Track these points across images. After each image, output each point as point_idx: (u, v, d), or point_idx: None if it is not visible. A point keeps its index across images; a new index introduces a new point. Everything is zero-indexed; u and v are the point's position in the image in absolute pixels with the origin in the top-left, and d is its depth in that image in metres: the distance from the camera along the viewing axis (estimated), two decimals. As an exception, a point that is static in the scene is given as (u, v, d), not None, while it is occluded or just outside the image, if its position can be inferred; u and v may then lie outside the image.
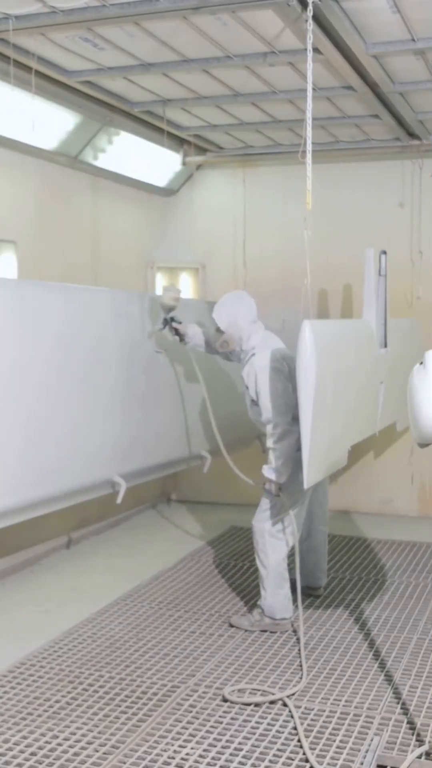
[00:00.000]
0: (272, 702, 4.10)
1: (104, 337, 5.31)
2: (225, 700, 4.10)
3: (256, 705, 4.05)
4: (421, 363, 3.27)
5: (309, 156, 4.44)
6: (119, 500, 5.46)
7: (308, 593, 5.56)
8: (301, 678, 4.37)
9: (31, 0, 4.48)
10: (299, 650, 4.73)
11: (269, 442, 4.90)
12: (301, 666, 4.52)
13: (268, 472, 4.90)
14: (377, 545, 6.98)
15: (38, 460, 4.69)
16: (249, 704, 4.06)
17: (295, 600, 5.05)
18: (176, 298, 5.48)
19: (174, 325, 5.51)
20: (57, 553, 6.75)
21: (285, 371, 4.93)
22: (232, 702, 4.07)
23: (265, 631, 5.04)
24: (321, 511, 5.54)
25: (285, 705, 4.06)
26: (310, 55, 4.43)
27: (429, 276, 7.91)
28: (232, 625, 5.12)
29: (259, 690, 4.21)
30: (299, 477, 4.63)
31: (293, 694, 4.17)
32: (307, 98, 4.51)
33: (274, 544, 5.02)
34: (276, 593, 5.03)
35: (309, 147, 4.47)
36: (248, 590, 5.75)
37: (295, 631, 5.02)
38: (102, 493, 5.48)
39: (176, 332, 5.53)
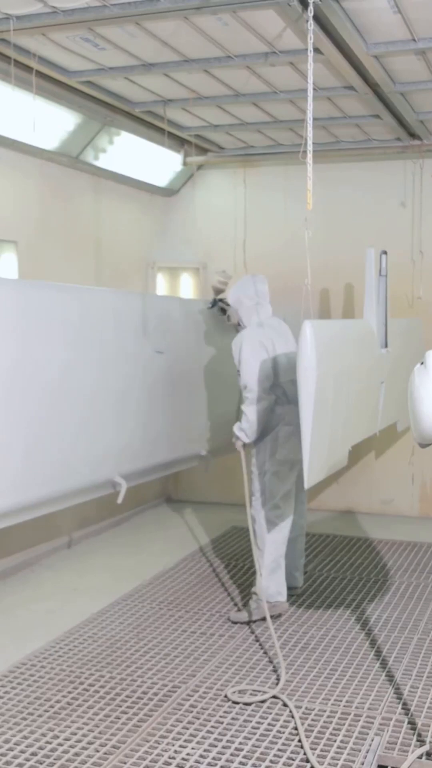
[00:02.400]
0: (263, 701, 4.10)
1: (105, 337, 5.31)
2: (227, 699, 4.11)
3: (246, 704, 4.07)
4: (422, 363, 3.27)
5: (310, 156, 4.44)
6: (120, 500, 5.46)
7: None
8: (277, 678, 4.37)
9: (32, 0, 4.48)
10: (300, 650, 4.74)
11: (243, 405, 5.23)
12: (302, 666, 4.54)
13: (237, 429, 5.23)
14: (378, 545, 6.98)
15: (40, 460, 4.70)
16: (238, 703, 4.07)
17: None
18: (224, 282, 6.08)
19: (221, 305, 6.04)
20: (58, 553, 6.75)
21: (269, 349, 5.21)
22: (233, 701, 4.08)
23: (265, 618, 5.07)
24: (299, 502, 5.58)
25: (285, 705, 4.06)
26: (310, 55, 4.42)
27: (430, 276, 7.91)
28: (233, 622, 5.16)
29: (259, 691, 4.22)
30: (289, 455, 5.16)
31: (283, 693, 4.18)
32: (308, 98, 4.50)
33: (268, 527, 5.19)
34: (271, 576, 5.13)
35: (310, 147, 4.46)
36: (249, 590, 5.74)
37: (295, 632, 5.04)
38: (103, 493, 5.49)
39: (224, 312, 6.00)
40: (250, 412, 5.13)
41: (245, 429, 5.18)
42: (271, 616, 5.02)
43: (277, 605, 5.13)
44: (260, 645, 4.85)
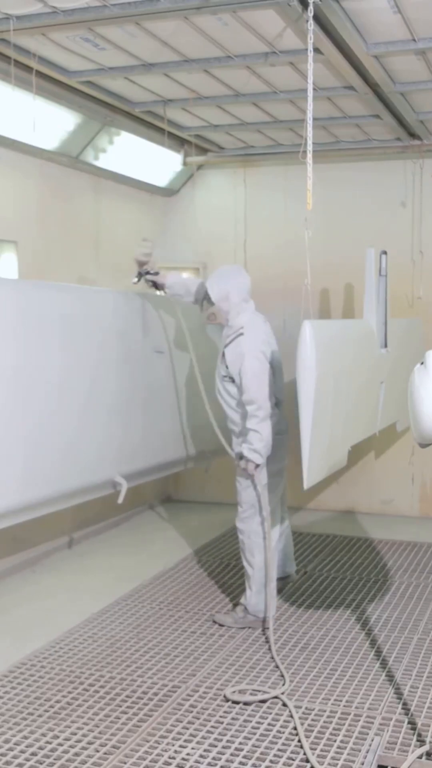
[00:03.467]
0: (264, 701, 4.10)
1: (105, 337, 5.31)
2: (227, 700, 4.11)
3: (246, 704, 4.07)
4: (422, 363, 3.27)
5: (310, 156, 4.44)
6: (120, 500, 5.46)
7: (282, 584, 5.59)
8: (280, 678, 4.37)
9: (32, 0, 4.48)
10: (300, 650, 4.74)
11: (251, 423, 4.86)
12: (306, 668, 4.54)
13: (249, 452, 4.86)
14: (378, 545, 6.98)
15: (41, 460, 4.70)
16: (238, 703, 4.07)
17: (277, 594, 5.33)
18: (147, 254, 5.54)
19: (149, 277, 5.57)
20: (58, 553, 6.75)
21: (267, 356, 4.96)
22: (233, 701, 4.08)
23: (248, 628, 5.09)
24: (283, 502, 5.55)
25: (285, 705, 4.06)
26: (310, 55, 4.43)
27: (430, 276, 7.91)
28: (215, 622, 5.16)
29: (259, 691, 4.22)
30: (278, 464, 5.07)
31: (283, 693, 4.18)
32: (308, 98, 4.51)
33: (260, 543, 5.07)
34: (261, 591, 5.06)
35: (310, 147, 4.47)
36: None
37: (295, 632, 5.04)
38: (103, 493, 5.49)
39: (153, 284, 5.59)
40: (263, 429, 4.82)
41: (260, 450, 4.83)
42: (263, 629, 5.03)
43: (265, 621, 5.04)
44: (260, 645, 4.85)
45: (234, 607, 5.31)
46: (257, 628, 5.06)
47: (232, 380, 5.01)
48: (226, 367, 5.04)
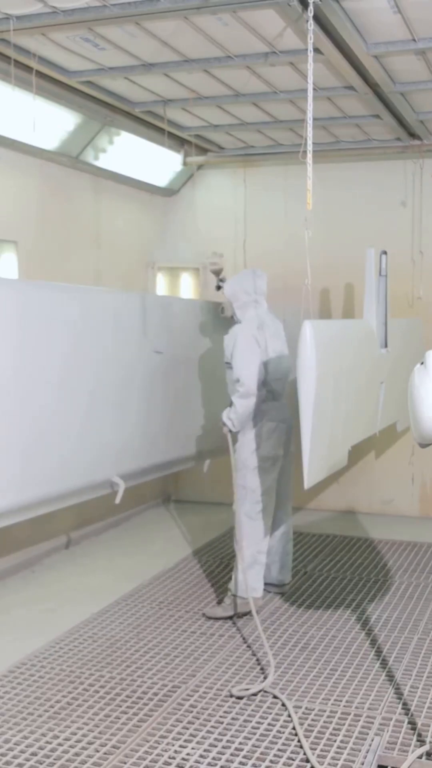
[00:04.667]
0: (258, 698, 4.10)
1: (105, 337, 5.31)
2: (231, 695, 4.12)
3: (240, 698, 4.09)
4: (422, 363, 3.27)
5: (310, 156, 4.44)
6: (118, 500, 5.46)
7: (273, 591, 5.61)
8: (265, 675, 4.37)
9: (32, 0, 4.48)
10: (300, 650, 4.74)
11: (233, 396, 5.26)
12: (303, 667, 4.54)
13: (225, 417, 5.28)
14: (378, 545, 6.98)
15: (39, 459, 4.69)
16: (239, 698, 4.07)
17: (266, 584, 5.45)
18: (216, 262, 6.09)
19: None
20: (57, 553, 6.75)
21: (262, 347, 5.28)
22: (237, 697, 4.09)
23: (240, 615, 5.13)
24: (287, 499, 5.63)
25: (284, 705, 4.06)
26: (310, 55, 4.42)
27: (430, 276, 7.91)
28: (208, 618, 5.21)
29: (259, 690, 4.22)
30: (273, 452, 5.28)
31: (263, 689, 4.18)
32: (308, 98, 4.50)
33: (249, 523, 5.22)
34: (247, 572, 5.13)
35: (310, 147, 4.46)
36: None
37: (295, 632, 5.04)
38: (101, 493, 5.49)
39: None
40: (240, 405, 5.19)
41: (233, 419, 5.23)
42: (247, 613, 5.07)
43: (253, 601, 5.08)
44: (260, 645, 4.84)
45: (220, 601, 5.38)
46: (247, 612, 5.06)
47: (231, 366, 5.29)
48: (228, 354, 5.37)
